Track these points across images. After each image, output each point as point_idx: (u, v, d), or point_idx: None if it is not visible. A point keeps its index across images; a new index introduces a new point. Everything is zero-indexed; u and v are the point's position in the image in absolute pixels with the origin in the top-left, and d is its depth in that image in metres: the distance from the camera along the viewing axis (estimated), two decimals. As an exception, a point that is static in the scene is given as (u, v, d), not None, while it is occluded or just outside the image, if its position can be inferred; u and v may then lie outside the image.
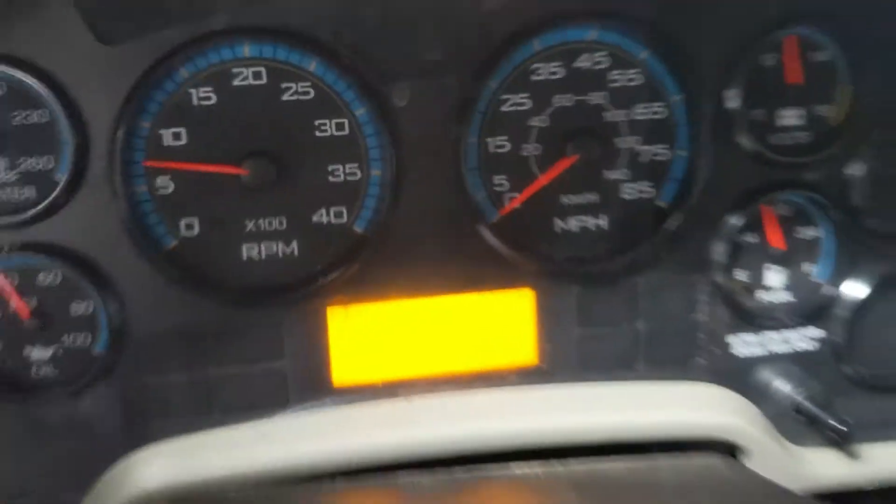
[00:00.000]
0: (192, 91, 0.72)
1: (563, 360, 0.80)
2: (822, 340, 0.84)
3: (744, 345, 0.83)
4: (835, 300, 0.83)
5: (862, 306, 0.83)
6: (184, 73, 0.71)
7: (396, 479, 0.68)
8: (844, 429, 0.76)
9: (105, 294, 0.73)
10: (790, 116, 0.79)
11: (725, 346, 0.83)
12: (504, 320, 0.79)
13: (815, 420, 0.78)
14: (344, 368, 0.77)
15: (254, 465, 0.70)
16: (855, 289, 0.83)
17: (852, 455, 0.80)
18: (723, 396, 0.80)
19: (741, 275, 0.82)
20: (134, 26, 0.69)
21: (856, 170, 0.80)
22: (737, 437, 0.75)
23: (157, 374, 0.75)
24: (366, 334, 0.77)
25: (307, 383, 0.77)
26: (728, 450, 0.77)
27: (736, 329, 0.83)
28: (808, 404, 0.79)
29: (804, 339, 0.84)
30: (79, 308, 0.74)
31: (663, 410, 0.77)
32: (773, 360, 0.83)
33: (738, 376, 0.83)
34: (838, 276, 0.83)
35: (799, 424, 0.81)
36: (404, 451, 0.71)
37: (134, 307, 0.74)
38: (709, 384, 0.81)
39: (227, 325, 0.75)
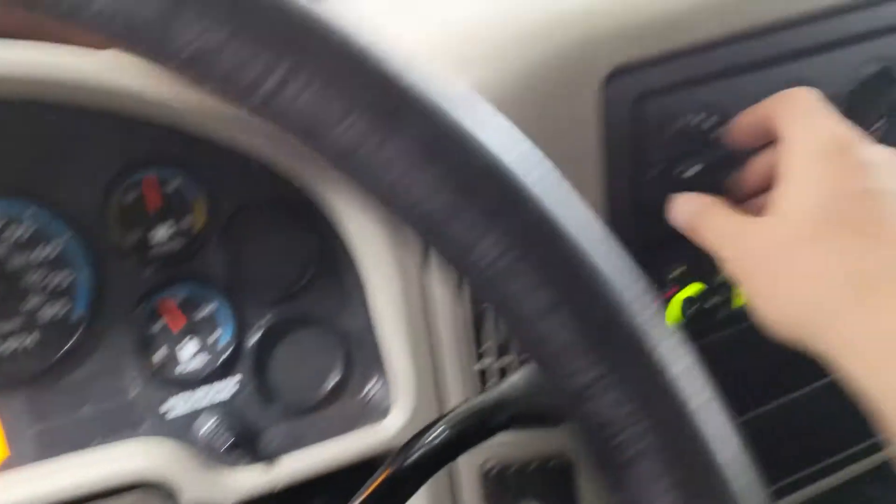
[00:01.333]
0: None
1: (26, 452, 1.01)
2: (240, 386, 1.12)
3: (176, 408, 1.08)
4: (239, 355, 1.12)
5: (256, 356, 1.12)
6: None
7: None
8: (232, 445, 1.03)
9: None
10: (161, 232, 1.07)
11: (161, 413, 1.08)
12: (-37, 436, 0.98)
13: (224, 445, 1.05)
14: None
15: None
16: (249, 341, 1.12)
17: (271, 465, 1.08)
18: (147, 447, 1.03)
19: (159, 354, 1.09)
20: None
21: (220, 254, 1.10)
22: (161, 475, 0.99)
23: None
24: None
25: None
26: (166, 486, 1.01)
27: (167, 397, 1.08)
28: (224, 436, 1.06)
29: (227, 389, 1.12)
30: None
31: (98, 467, 0.99)
32: (206, 411, 1.10)
33: (179, 430, 1.07)
34: (235, 337, 1.12)
35: (230, 453, 1.07)
36: None
37: None
38: (138, 439, 1.05)
39: None
